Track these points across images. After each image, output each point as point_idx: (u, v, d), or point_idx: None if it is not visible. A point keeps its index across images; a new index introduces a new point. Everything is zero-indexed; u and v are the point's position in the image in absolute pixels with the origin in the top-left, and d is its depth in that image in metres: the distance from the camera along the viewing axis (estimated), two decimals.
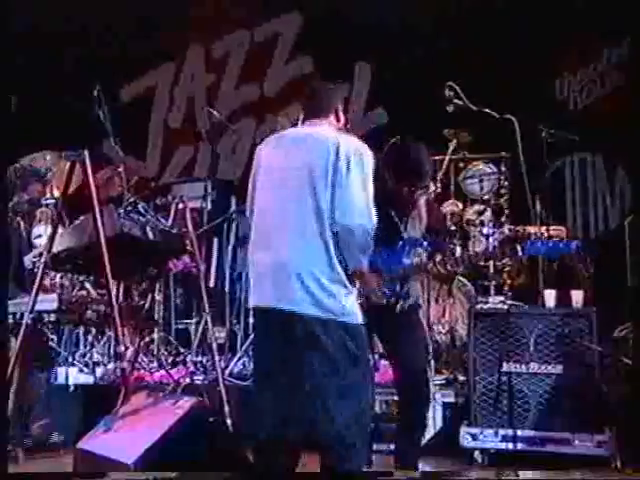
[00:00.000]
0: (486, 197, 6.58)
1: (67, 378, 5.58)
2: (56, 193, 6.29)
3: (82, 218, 4.38)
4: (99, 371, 5.74)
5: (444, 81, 5.45)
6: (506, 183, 6.72)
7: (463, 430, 4.71)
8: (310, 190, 3.29)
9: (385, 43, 8.06)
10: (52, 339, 5.75)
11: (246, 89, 9.02)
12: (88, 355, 5.98)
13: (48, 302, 4.34)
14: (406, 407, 4.05)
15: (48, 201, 6.08)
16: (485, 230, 5.66)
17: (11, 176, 5.86)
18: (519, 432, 4.61)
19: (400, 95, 7.86)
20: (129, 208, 6.06)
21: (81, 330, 5.98)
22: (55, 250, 4.32)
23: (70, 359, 5.77)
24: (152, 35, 8.84)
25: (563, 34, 7.33)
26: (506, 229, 5.75)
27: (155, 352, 6.15)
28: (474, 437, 4.68)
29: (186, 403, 3.41)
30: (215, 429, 3.38)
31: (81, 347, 5.99)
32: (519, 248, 3.92)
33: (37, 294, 4.24)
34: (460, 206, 6.19)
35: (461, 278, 6.10)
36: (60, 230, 4.47)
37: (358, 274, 3.42)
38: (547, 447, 4.59)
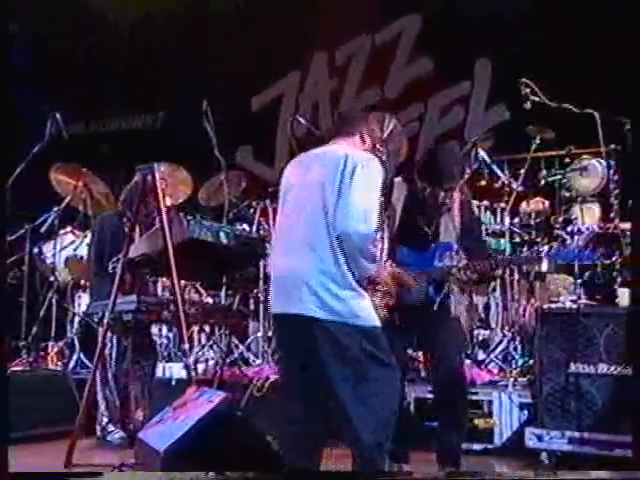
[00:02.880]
0: (595, 192, 6.37)
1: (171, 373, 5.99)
2: (168, 202, 6.76)
3: (157, 226, 4.72)
4: (200, 367, 6.10)
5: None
6: (615, 177, 6.48)
7: (528, 431, 4.67)
8: (322, 203, 3.45)
9: (504, 39, 7.98)
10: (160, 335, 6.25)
11: (368, 93, 9.20)
12: (194, 352, 6.36)
13: (127, 303, 4.71)
14: (444, 407, 4.10)
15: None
16: (569, 228, 5.51)
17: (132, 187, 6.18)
18: (586, 434, 4.50)
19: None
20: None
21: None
22: (132, 255, 4.68)
23: (174, 355, 6.18)
24: (279, 45, 9.21)
25: None
26: (596, 227, 5.56)
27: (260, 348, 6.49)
28: (539, 438, 4.63)
29: (217, 398, 3.65)
30: (241, 423, 3.58)
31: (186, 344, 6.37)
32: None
33: (117, 295, 4.62)
34: (546, 204, 6.05)
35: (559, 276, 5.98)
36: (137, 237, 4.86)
37: (377, 280, 3.55)
38: (615, 451, 4.45)
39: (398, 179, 4.39)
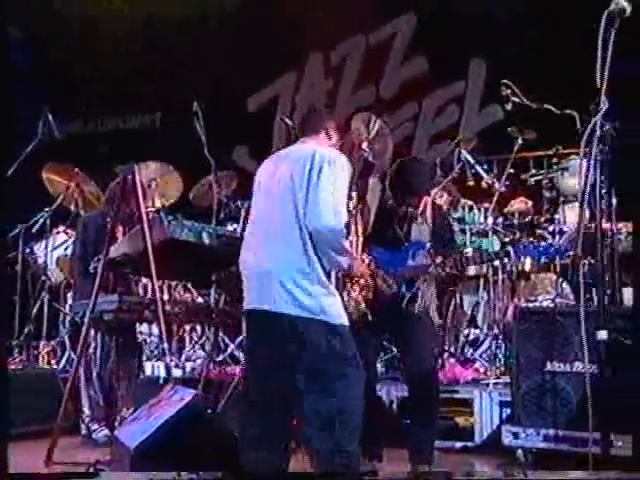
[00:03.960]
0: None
1: (161, 372, 6.06)
2: (158, 203, 6.83)
3: (137, 227, 4.78)
4: (189, 365, 6.17)
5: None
6: (602, 177, 6.49)
7: (505, 428, 4.71)
8: (291, 198, 3.55)
9: (498, 39, 8.00)
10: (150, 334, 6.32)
11: (363, 92, 9.25)
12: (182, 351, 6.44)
13: (108, 303, 4.77)
14: (415, 405, 4.15)
15: (148, 209, 6.58)
16: (551, 228, 5.54)
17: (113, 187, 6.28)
18: (561, 432, 4.53)
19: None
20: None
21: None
22: (113, 255, 4.75)
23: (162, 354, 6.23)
24: (275, 45, 9.26)
25: None
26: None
27: None
28: (516, 435, 4.66)
29: (188, 396, 3.71)
30: (211, 422, 3.64)
31: (174, 344, 6.46)
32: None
33: (97, 295, 4.69)
34: (529, 204, 6.08)
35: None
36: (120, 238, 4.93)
37: (346, 273, 3.62)
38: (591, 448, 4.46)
39: (374, 179, 4.47)
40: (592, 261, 5.74)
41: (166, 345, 4.56)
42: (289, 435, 3.62)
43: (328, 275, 3.54)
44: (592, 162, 3.07)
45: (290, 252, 3.49)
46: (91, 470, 4.02)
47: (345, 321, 3.55)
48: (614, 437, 4.34)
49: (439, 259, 4.06)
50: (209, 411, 3.73)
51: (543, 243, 4.25)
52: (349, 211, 4.20)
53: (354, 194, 4.22)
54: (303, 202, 3.48)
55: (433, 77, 8.84)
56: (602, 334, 3.20)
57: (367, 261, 4.00)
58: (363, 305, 3.93)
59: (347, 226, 3.92)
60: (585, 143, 3.13)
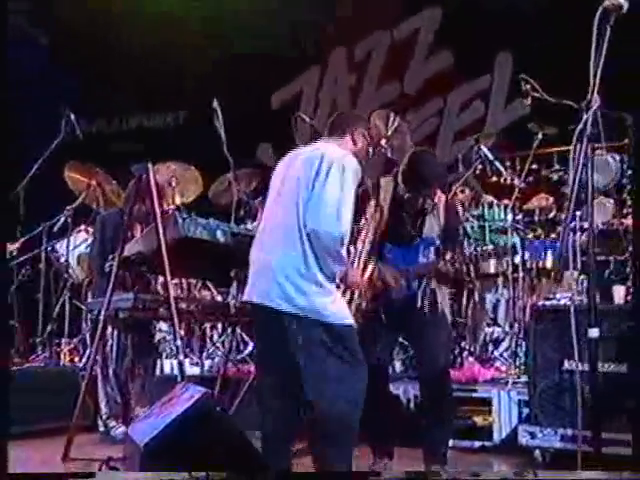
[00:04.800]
0: (607, 188, 6.32)
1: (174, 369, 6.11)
2: (178, 200, 6.89)
3: (152, 225, 4.82)
4: (207, 363, 6.22)
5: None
6: (629, 172, 6.42)
7: (522, 428, 4.68)
8: (296, 199, 3.56)
9: (525, 32, 7.94)
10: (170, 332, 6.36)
11: (387, 88, 9.23)
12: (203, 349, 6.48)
13: (123, 301, 4.82)
14: (429, 404, 4.16)
15: (169, 208, 6.63)
16: (572, 224, 5.48)
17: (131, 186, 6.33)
18: (579, 432, 4.48)
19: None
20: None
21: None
22: (127, 254, 4.80)
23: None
24: (298, 40, 9.27)
25: None
26: (600, 223, 5.55)
27: None
28: (533, 435, 4.64)
29: (198, 394, 3.74)
30: (219, 420, 3.66)
31: (195, 342, 6.51)
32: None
33: (112, 293, 4.74)
34: (550, 200, 6.03)
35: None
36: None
37: (347, 281, 3.64)
38: (608, 448, 4.42)
39: (386, 178, 4.46)
40: (619, 258, 5.75)
41: (179, 342, 4.58)
42: (292, 433, 3.64)
43: (330, 276, 3.54)
44: (581, 160, 3.01)
45: (288, 251, 3.50)
46: (104, 467, 4.08)
47: (347, 321, 3.54)
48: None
49: (448, 255, 4.05)
50: (218, 409, 3.71)
51: (550, 238, 4.17)
52: (365, 217, 4.23)
53: (372, 201, 4.23)
54: (305, 204, 3.48)
55: (458, 72, 8.78)
56: (593, 332, 3.15)
57: (370, 269, 3.98)
58: (363, 307, 3.93)
59: (355, 233, 3.96)
60: (576, 140, 3.08)
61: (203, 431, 3.62)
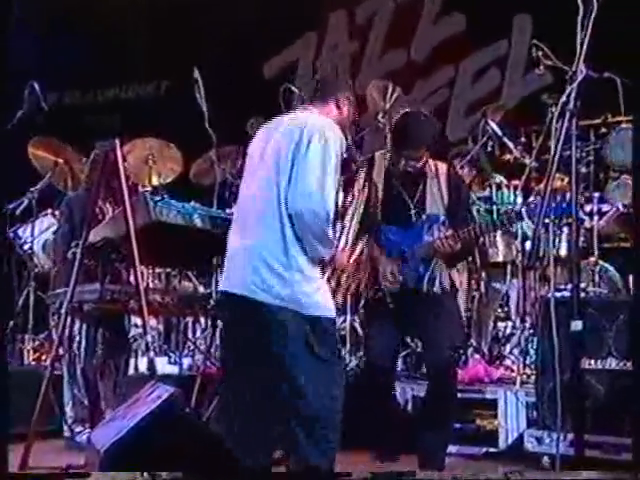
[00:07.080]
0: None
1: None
2: (155, 180, 6.96)
3: (119, 209, 4.88)
4: (186, 362, 6.29)
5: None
6: None
7: (528, 433, 4.74)
8: (275, 175, 3.59)
9: None
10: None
11: (392, 55, 9.26)
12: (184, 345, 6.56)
13: (89, 292, 4.88)
14: (431, 400, 4.23)
15: (146, 189, 6.69)
16: (588, 208, 5.55)
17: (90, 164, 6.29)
18: (588, 437, 4.54)
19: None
20: None
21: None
22: (92, 240, 4.85)
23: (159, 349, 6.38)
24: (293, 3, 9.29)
25: None
26: (620, 205, 5.60)
27: None
28: (539, 441, 4.70)
29: (166, 394, 3.81)
30: (188, 421, 3.73)
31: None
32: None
33: (76, 283, 4.79)
34: (565, 181, 6.05)
35: (602, 263, 6.02)
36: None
37: (333, 263, 3.68)
38: (622, 454, 4.49)
39: (378, 153, 4.52)
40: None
41: (149, 338, 4.66)
42: (270, 436, 3.71)
43: (315, 262, 3.59)
44: (562, 137, 3.05)
45: (267, 232, 3.53)
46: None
47: (328, 314, 3.60)
48: None
49: (449, 232, 4.11)
50: (187, 410, 3.79)
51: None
52: (352, 194, 4.25)
53: (362, 175, 4.25)
54: (286, 180, 3.51)
55: (471, 37, 8.79)
56: (577, 324, 3.21)
57: (359, 250, 4.00)
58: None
59: (341, 208, 3.98)
60: (557, 116, 3.13)
61: (169, 434, 3.69)
